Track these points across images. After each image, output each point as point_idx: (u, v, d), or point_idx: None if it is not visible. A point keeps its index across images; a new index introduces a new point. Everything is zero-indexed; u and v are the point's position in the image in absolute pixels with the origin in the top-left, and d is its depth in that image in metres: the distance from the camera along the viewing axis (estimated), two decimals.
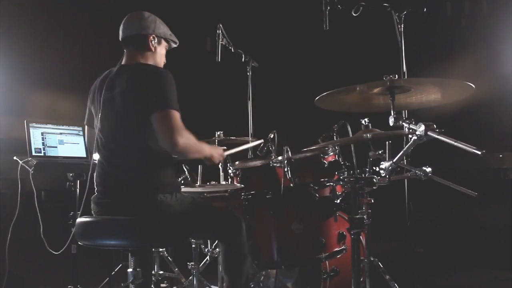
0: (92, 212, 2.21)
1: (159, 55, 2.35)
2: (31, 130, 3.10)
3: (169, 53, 2.46)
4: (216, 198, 2.86)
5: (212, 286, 3.16)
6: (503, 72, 4.66)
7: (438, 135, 1.82)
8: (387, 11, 3.01)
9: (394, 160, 2.01)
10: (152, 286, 3.05)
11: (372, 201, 2.65)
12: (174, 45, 2.45)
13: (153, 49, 2.30)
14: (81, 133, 3.28)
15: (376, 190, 2.23)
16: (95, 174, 2.23)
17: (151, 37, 2.29)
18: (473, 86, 2.03)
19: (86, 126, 2.39)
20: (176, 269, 3.33)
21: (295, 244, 2.53)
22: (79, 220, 2.15)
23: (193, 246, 2.94)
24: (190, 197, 2.28)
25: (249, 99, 3.69)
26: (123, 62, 2.31)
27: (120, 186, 2.13)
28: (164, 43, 2.37)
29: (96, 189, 2.22)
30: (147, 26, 2.29)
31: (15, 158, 3.03)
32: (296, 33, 5.21)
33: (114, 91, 2.18)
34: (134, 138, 2.14)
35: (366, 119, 2.53)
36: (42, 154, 3.12)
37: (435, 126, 1.84)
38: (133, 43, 2.29)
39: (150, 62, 2.30)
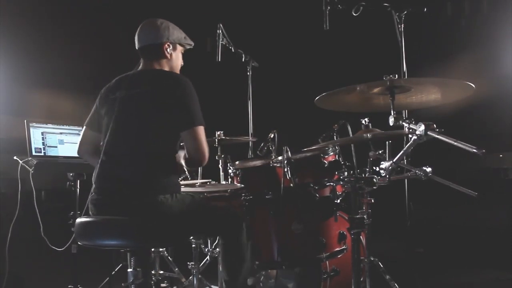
0: (90, 213, 2.21)
1: (175, 61, 2.41)
2: (31, 129, 3.11)
3: None
4: (216, 198, 2.86)
5: (212, 286, 3.16)
6: (503, 72, 4.65)
7: (438, 135, 1.82)
8: (387, 11, 3.01)
9: (394, 160, 2.01)
10: (152, 286, 3.05)
11: (372, 201, 2.65)
12: (189, 47, 2.50)
13: (168, 56, 2.36)
14: (81, 132, 3.28)
15: (376, 190, 2.22)
16: (94, 174, 2.23)
17: (166, 45, 2.34)
18: (473, 86, 2.03)
19: (84, 127, 2.37)
20: (176, 269, 3.33)
21: (296, 244, 2.53)
22: (79, 220, 2.15)
23: (193, 246, 2.94)
24: (190, 197, 2.28)
25: (249, 99, 3.69)
26: (141, 68, 2.36)
27: (121, 186, 2.13)
28: (179, 48, 2.43)
29: (93, 188, 2.21)
30: (161, 34, 2.33)
31: (15, 158, 3.03)
32: (296, 33, 5.21)
33: (133, 92, 2.21)
34: (142, 139, 2.16)
35: (366, 119, 2.53)
36: (42, 154, 3.12)
37: (435, 125, 1.84)
38: (150, 52, 2.35)
39: (166, 68, 2.36)
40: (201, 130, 2.16)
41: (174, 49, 2.39)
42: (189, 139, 2.15)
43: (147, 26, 2.38)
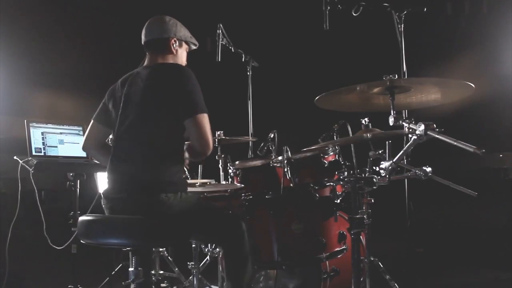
0: (102, 204, 2.22)
1: (180, 58, 2.42)
2: (31, 129, 3.10)
3: None
4: (216, 197, 2.86)
5: (212, 286, 3.16)
6: (503, 72, 4.66)
7: (438, 135, 1.82)
8: (387, 11, 3.01)
9: (394, 160, 2.01)
10: (152, 286, 3.05)
11: (372, 201, 2.65)
12: (194, 47, 2.52)
13: (174, 51, 2.37)
14: (81, 132, 3.28)
15: (376, 190, 2.22)
16: (107, 169, 2.24)
17: (173, 40, 2.36)
18: (473, 86, 2.03)
19: (92, 121, 2.37)
20: (176, 269, 3.33)
21: (296, 244, 2.53)
22: (81, 218, 2.16)
23: (193, 246, 2.94)
24: (194, 197, 2.28)
25: (249, 99, 3.69)
26: (145, 64, 2.37)
27: (127, 182, 2.14)
28: (184, 46, 2.44)
29: (107, 182, 2.23)
30: (169, 29, 2.36)
31: (15, 157, 3.03)
32: (296, 33, 5.22)
33: (136, 87, 2.22)
34: (148, 135, 2.16)
35: (366, 119, 2.53)
36: (42, 154, 3.12)
37: (435, 125, 1.84)
38: (155, 46, 2.36)
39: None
40: (204, 117, 2.14)
41: (180, 46, 2.40)
42: (192, 127, 2.13)
43: (155, 21, 2.40)
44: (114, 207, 2.16)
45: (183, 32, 2.41)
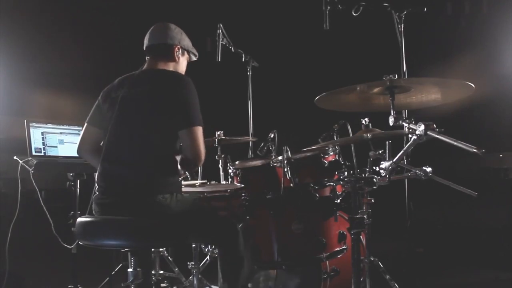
0: (94, 212, 2.21)
1: (181, 66, 2.42)
2: (31, 129, 3.10)
3: None
4: (216, 197, 2.85)
5: (212, 286, 3.16)
6: (503, 72, 4.66)
7: (438, 135, 1.82)
8: (387, 11, 3.02)
9: (394, 160, 2.01)
10: (153, 286, 3.05)
11: (372, 201, 2.65)
12: (194, 58, 2.53)
13: (176, 59, 2.38)
14: (81, 132, 3.28)
15: (376, 190, 2.22)
16: (96, 173, 2.23)
17: (177, 48, 2.37)
18: (473, 86, 2.03)
19: (86, 124, 2.35)
20: (176, 269, 3.33)
21: (296, 244, 2.53)
22: (79, 219, 2.15)
23: (193, 246, 2.94)
24: (190, 198, 2.28)
25: (249, 99, 3.69)
26: (145, 68, 2.37)
27: (122, 185, 2.13)
28: (186, 55, 2.46)
29: (97, 188, 2.21)
30: (174, 36, 2.37)
31: (15, 157, 3.03)
32: (296, 33, 5.22)
33: (134, 90, 2.21)
34: (143, 138, 2.16)
35: (366, 119, 2.53)
36: (42, 154, 3.12)
37: (435, 125, 1.84)
38: (159, 52, 2.37)
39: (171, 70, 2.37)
40: (199, 130, 2.15)
41: (183, 54, 2.42)
42: (186, 139, 2.14)
43: (161, 26, 2.40)
44: (108, 211, 2.13)
45: (187, 41, 2.43)
